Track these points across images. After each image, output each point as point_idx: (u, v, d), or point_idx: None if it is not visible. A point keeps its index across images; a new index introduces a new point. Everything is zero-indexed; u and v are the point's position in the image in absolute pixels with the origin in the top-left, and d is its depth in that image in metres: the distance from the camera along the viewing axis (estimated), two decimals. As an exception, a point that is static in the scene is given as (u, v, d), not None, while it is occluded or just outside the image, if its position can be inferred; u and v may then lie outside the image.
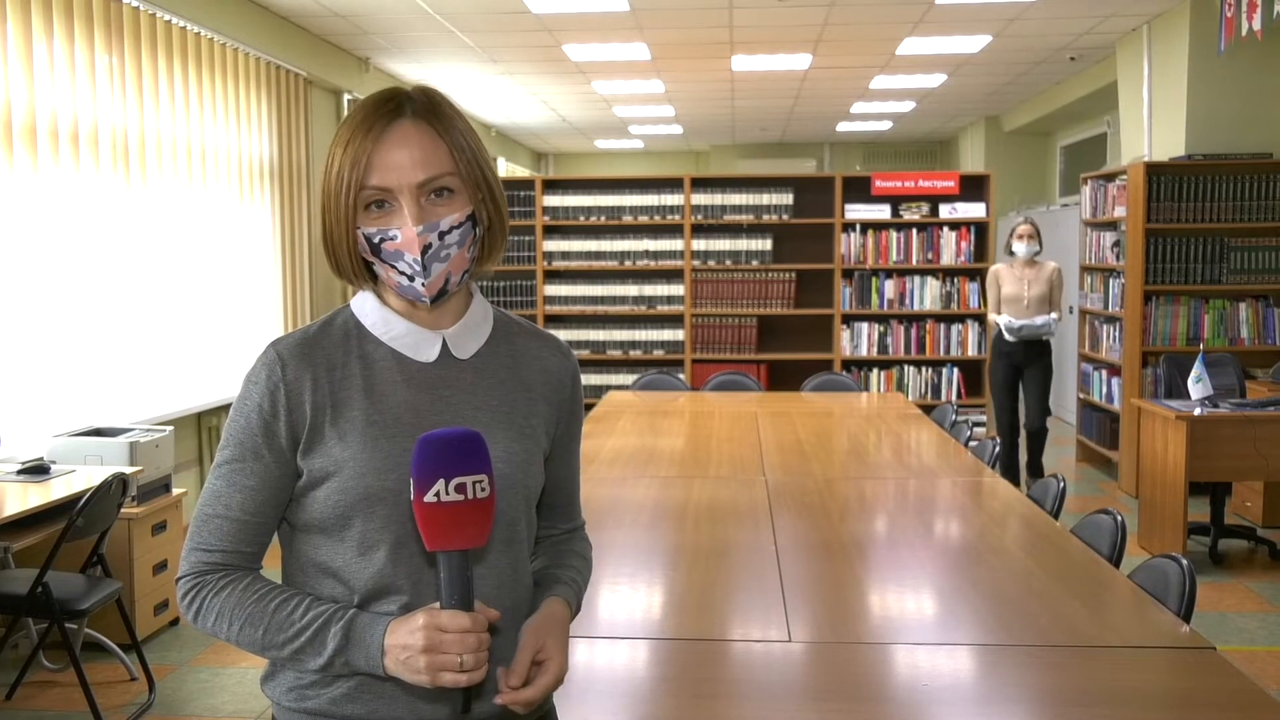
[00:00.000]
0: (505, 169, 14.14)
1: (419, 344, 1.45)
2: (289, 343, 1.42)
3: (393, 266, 1.38)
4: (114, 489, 4.00)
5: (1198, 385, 5.58)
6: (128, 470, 4.32)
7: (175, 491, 4.95)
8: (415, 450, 1.27)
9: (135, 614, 4.50)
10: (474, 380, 1.47)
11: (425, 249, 1.36)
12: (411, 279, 1.38)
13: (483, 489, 1.28)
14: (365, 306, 1.47)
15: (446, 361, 1.46)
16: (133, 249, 5.50)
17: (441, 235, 1.37)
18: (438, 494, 1.25)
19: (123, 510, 4.25)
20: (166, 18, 5.80)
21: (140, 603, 4.58)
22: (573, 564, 1.60)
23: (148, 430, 4.89)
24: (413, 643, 1.28)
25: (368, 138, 1.35)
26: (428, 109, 1.39)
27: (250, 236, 6.83)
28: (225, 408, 6.25)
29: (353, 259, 1.41)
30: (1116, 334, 7.75)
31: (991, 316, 7.20)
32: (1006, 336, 7.01)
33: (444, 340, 1.46)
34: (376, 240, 1.37)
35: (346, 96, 8.50)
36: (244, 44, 6.69)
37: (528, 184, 8.54)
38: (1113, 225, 7.86)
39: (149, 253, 5.65)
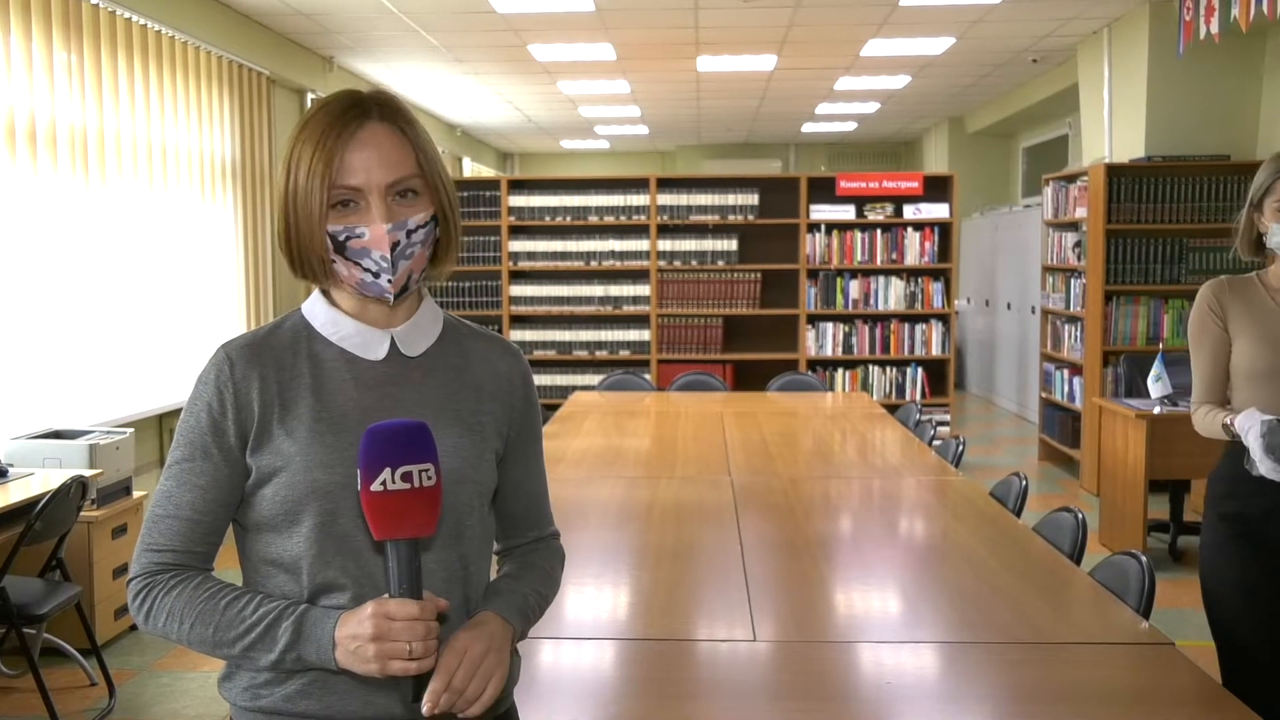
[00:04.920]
0: (470, 169, 14.09)
1: (368, 343, 1.47)
2: (238, 344, 1.45)
3: (357, 263, 1.41)
4: (73, 492, 3.95)
5: (1157, 384, 5.64)
6: (87, 473, 4.27)
7: (136, 494, 4.89)
8: (362, 441, 1.30)
9: (95, 618, 4.45)
10: (422, 378, 1.50)
11: (394, 246, 1.39)
12: (377, 275, 1.40)
13: (429, 477, 1.31)
14: (315, 309, 1.50)
15: (395, 359, 1.49)
16: (92, 249, 5.43)
17: (409, 234, 1.41)
18: (384, 483, 1.29)
19: (82, 513, 4.20)
20: (126, 15, 5.74)
21: (100, 607, 4.53)
22: (526, 578, 1.58)
23: (108, 432, 4.83)
24: (361, 631, 1.30)
25: (339, 140, 1.38)
26: (393, 112, 1.43)
27: (212, 237, 6.77)
28: (187, 409, 6.19)
29: (315, 257, 1.42)
30: (1078, 334, 7.83)
31: (1203, 417, 2.85)
32: (1259, 469, 2.65)
33: (392, 339, 1.49)
34: (342, 238, 1.39)
35: (310, 95, 8.43)
36: (205, 42, 6.62)
37: (493, 184, 8.51)
38: (1074, 226, 7.94)
39: (109, 253, 5.58)
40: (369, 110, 1.41)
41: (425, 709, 1.33)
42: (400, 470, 1.29)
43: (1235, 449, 2.75)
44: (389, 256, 1.39)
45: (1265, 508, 2.72)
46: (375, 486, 1.29)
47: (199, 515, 1.41)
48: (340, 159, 1.38)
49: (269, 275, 7.47)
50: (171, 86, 6.25)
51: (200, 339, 6.49)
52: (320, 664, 1.35)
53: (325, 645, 1.33)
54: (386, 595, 1.32)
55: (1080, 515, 3.12)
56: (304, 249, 1.42)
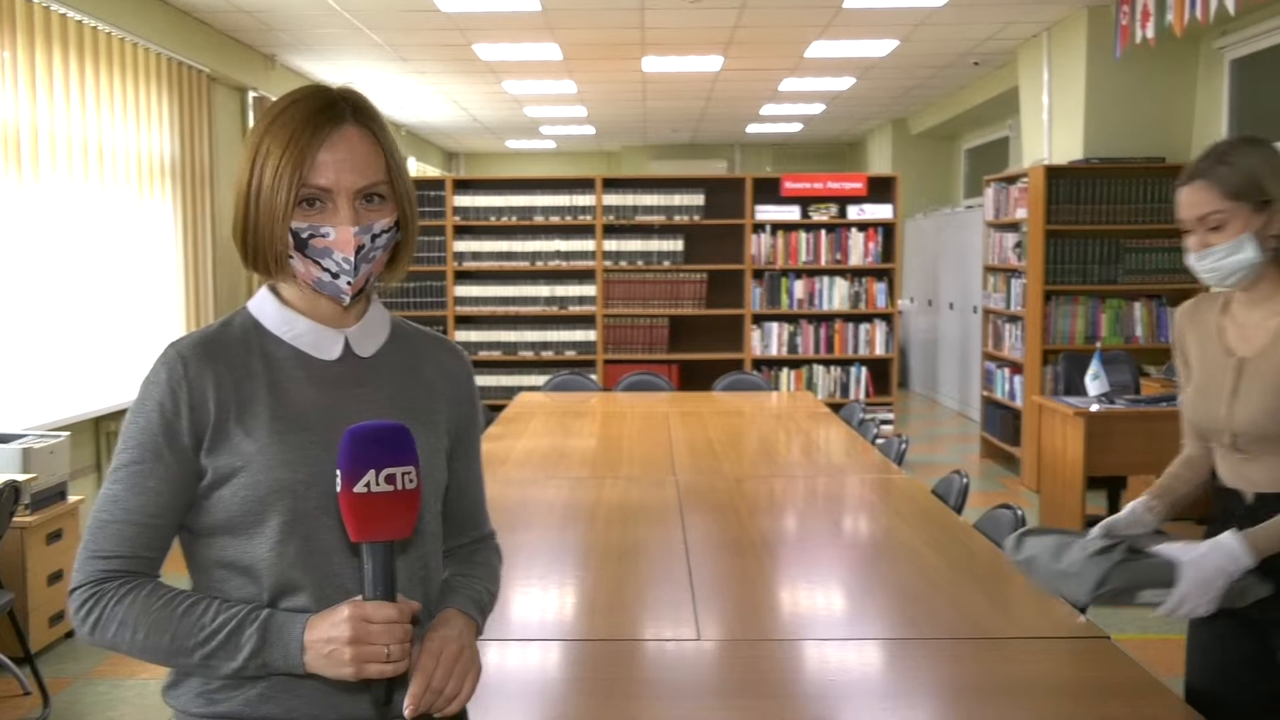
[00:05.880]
0: (416, 169, 13.99)
1: (321, 342, 1.46)
2: (189, 342, 1.42)
3: (316, 262, 1.39)
4: (5, 496, 3.86)
5: (1094, 382, 5.74)
6: (20, 477, 4.18)
7: (71, 499, 4.80)
8: (344, 442, 1.29)
9: (29, 626, 4.35)
10: (376, 377, 1.49)
11: (359, 249, 1.39)
12: (336, 276, 1.40)
13: (410, 480, 1.31)
14: (265, 307, 1.47)
15: (349, 359, 1.48)
16: (26, 249, 5.32)
17: (373, 238, 1.40)
18: (368, 484, 1.28)
19: (15, 519, 4.11)
20: (61, 11, 5.62)
21: (34, 614, 4.43)
22: (476, 575, 1.60)
23: (42, 436, 4.74)
24: (338, 635, 1.28)
25: (313, 139, 1.37)
26: (367, 115, 1.42)
27: (151, 236, 6.65)
28: (125, 412, 6.08)
29: (273, 252, 1.40)
30: (1018, 333, 7.93)
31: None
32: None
33: (346, 339, 1.48)
34: (305, 235, 1.38)
35: (252, 94, 8.33)
36: (143, 39, 6.51)
37: (438, 184, 8.46)
38: (1014, 226, 8.04)
39: (43, 253, 5.47)
40: (344, 112, 1.39)
41: (408, 712, 1.33)
42: (384, 472, 1.28)
43: (1214, 514, 2.28)
44: (352, 259, 1.38)
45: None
46: (358, 488, 1.27)
47: (149, 519, 1.37)
48: (312, 158, 1.36)
49: (209, 275, 7.36)
50: (109, 84, 6.14)
51: (139, 340, 6.38)
52: (287, 669, 1.32)
53: (293, 650, 1.31)
54: (359, 597, 1.31)
55: (1019, 512, 3.16)
56: (261, 243, 1.40)
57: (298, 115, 1.38)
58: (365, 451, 1.28)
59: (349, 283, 1.40)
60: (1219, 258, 2.09)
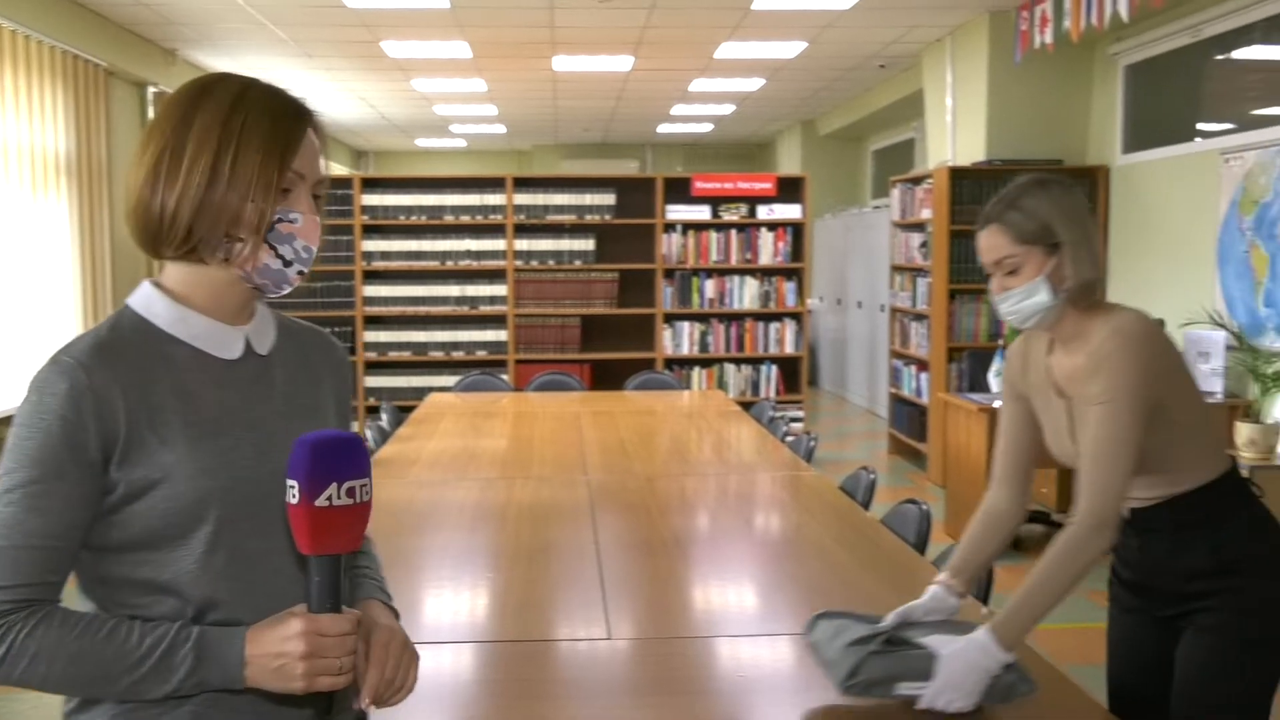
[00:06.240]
0: (323, 167, 13.77)
1: (222, 341, 1.41)
2: (84, 348, 1.32)
3: (273, 248, 1.37)
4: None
5: (997, 379, 5.87)
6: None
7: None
8: (300, 453, 1.24)
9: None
10: (276, 375, 1.47)
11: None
12: (288, 264, 1.38)
13: (367, 492, 1.29)
14: (154, 305, 1.40)
15: (249, 358, 1.44)
16: (-89, 248, 5.13)
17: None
18: (329, 498, 1.24)
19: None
20: (-53, 1, 5.44)
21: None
22: (369, 565, 1.59)
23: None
24: (290, 650, 1.25)
25: (298, 124, 1.39)
26: (318, 119, 1.45)
27: (44, 235, 6.45)
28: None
29: (222, 234, 1.34)
30: (924, 331, 8.08)
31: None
32: None
33: (246, 337, 1.44)
34: (274, 218, 1.36)
35: (151, 89, 8.12)
36: (37, 31, 6.31)
37: (346, 183, 8.33)
38: (920, 226, 8.19)
39: (-70, 252, 5.28)
40: (308, 110, 1.42)
41: (366, 705, 1.33)
42: (345, 485, 1.25)
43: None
44: (312, 249, 1.39)
45: (1126, 575, 2.34)
46: (319, 501, 1.23)
47: (52, 541, 1.27)
48: (298, 143, 1.38)
49: (107, 274, 7.16)
50: (-1, 77, 5.94)
51: (32, 343, 6.18)
52: (224, 685, 1.28)
53: (232, 665, 1.26)
54: (301, 607, 1.28)
55: (925, 507, 3.22)
56: (215, 222, 1.33)
57: (275, 100, 1.39)
58: (327, 463, 1.24)
59: (300, 272, 1.39)
60: (1016, 301, 2.14)
